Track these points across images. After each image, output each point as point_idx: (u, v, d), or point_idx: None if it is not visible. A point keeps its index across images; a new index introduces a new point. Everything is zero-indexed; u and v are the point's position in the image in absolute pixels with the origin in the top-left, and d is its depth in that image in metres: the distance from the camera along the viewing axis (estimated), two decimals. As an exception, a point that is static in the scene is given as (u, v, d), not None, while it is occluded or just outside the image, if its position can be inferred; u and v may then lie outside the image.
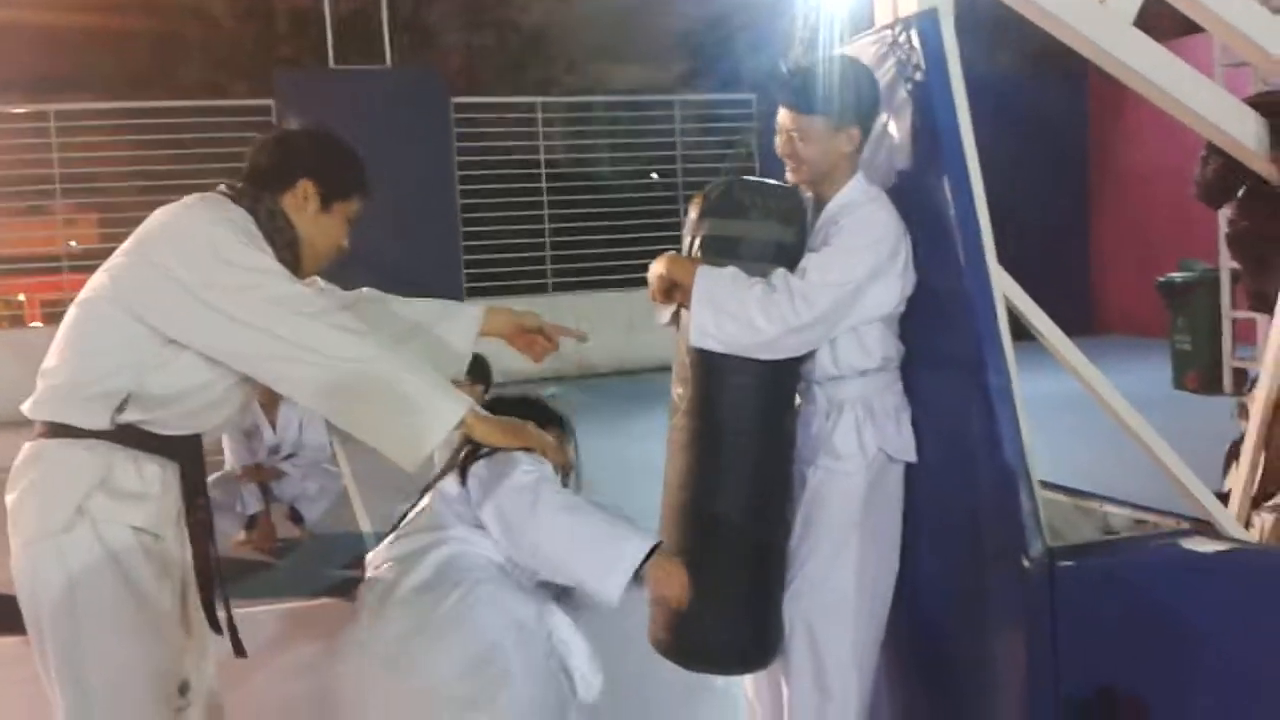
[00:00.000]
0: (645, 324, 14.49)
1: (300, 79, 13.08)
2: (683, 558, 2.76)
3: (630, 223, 13.62)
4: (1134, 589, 2.48)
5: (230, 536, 6.20)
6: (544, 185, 13.55)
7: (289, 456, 6.26)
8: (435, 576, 2.32)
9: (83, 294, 2.31)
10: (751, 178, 2.79)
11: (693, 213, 2.81)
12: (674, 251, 2.79)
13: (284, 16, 14.67)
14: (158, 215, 2.30)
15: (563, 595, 2.46)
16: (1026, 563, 2.43)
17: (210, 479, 5.90)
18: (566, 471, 2.59)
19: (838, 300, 2.63)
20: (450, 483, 2.49)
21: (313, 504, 6.22)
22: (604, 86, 14.65)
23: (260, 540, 6.17)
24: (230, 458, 6.25)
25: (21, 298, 16.29)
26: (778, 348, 2.65)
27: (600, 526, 2.33)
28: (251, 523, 6.23)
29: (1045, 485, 3.17)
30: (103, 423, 2.23)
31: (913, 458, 2.79)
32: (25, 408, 2.30)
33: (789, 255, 2.71)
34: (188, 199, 2.33)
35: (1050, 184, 13.84)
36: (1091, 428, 5.74)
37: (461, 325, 2.74)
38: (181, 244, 2.21)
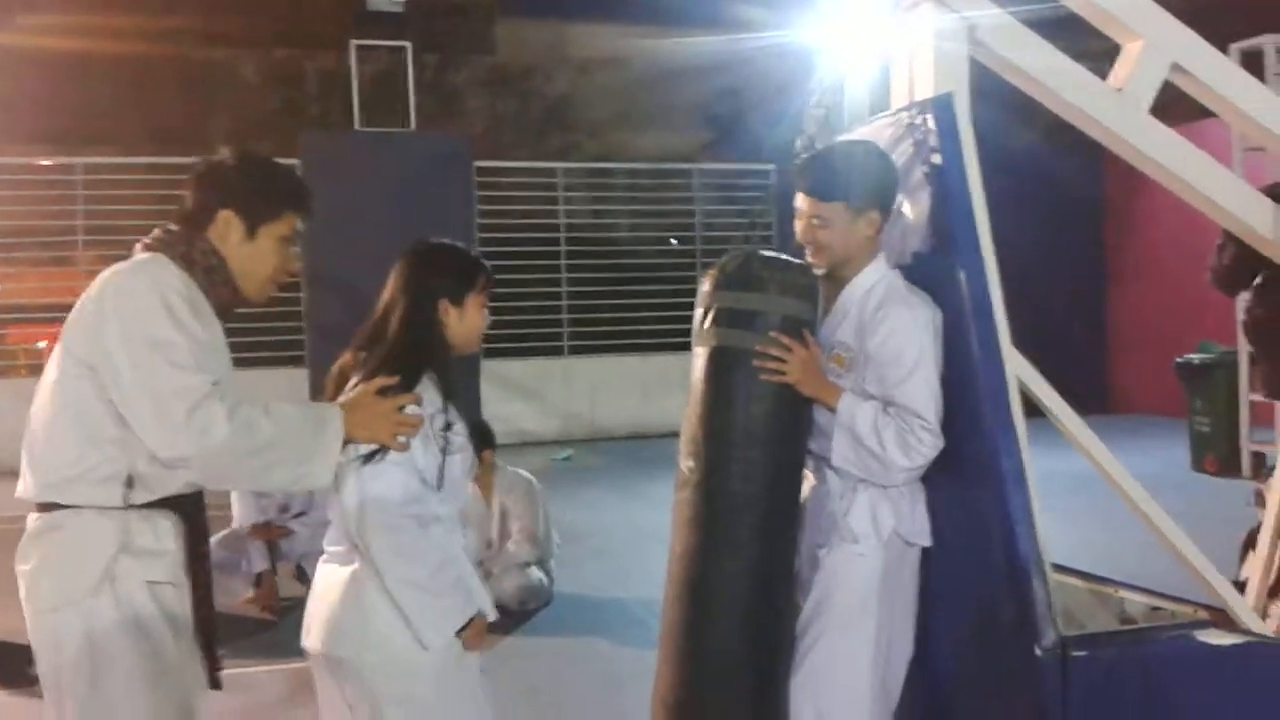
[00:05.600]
0: (660, 389, 14.49)
1: (326, 140, 13.23)
2: (685, 636, 2.74)
3: (647, 288, 13.69)
4: (1148, 681, 2.44)
5: (236, 595, 6.17)
6: (563, 249, 13.67)
7: (298, 515, 6.24)
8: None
9: (50, 374, 2.34)
10: (767, 251, 2.79)
11: (707, 285, 2.81)
12: (808, 352, 2.68)
13: (313, 78, 14.89)
14: (99, 284, 2.31)
15: None
16: (1039, 652, 2.39)
17: (217, 537, 5.98)
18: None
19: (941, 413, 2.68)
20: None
21: (320, 564, 6.18)
22: (625, 153, 14.76)
23: (264, 599, 6.13)
24: (239, 514, 6.23)
25: (42, 345, 16.38)
26: (912, 476, 2.71)
27: (441, 582, 2.44)
28: (258, 581, 6.20)
29: (1061, 569, 3.14)
30: (116, 501, 2.28)
31: (927, 542, 2.76)
32: (26, 494, 2.34)
33: (802, 330, 2.71)
34: (124, 265, 2.33)
35: (1066, 259, 13.86)
36: (1109, 508, 5.69)
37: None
38: (112, 325, 2.24)
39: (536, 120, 15.69)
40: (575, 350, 13.65)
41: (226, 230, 2.38)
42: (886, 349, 2.69)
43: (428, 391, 2.50)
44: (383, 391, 2.39)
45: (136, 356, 2.20)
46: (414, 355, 2.51)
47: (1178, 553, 2.71)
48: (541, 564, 5.87)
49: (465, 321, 2.63)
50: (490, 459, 5.91)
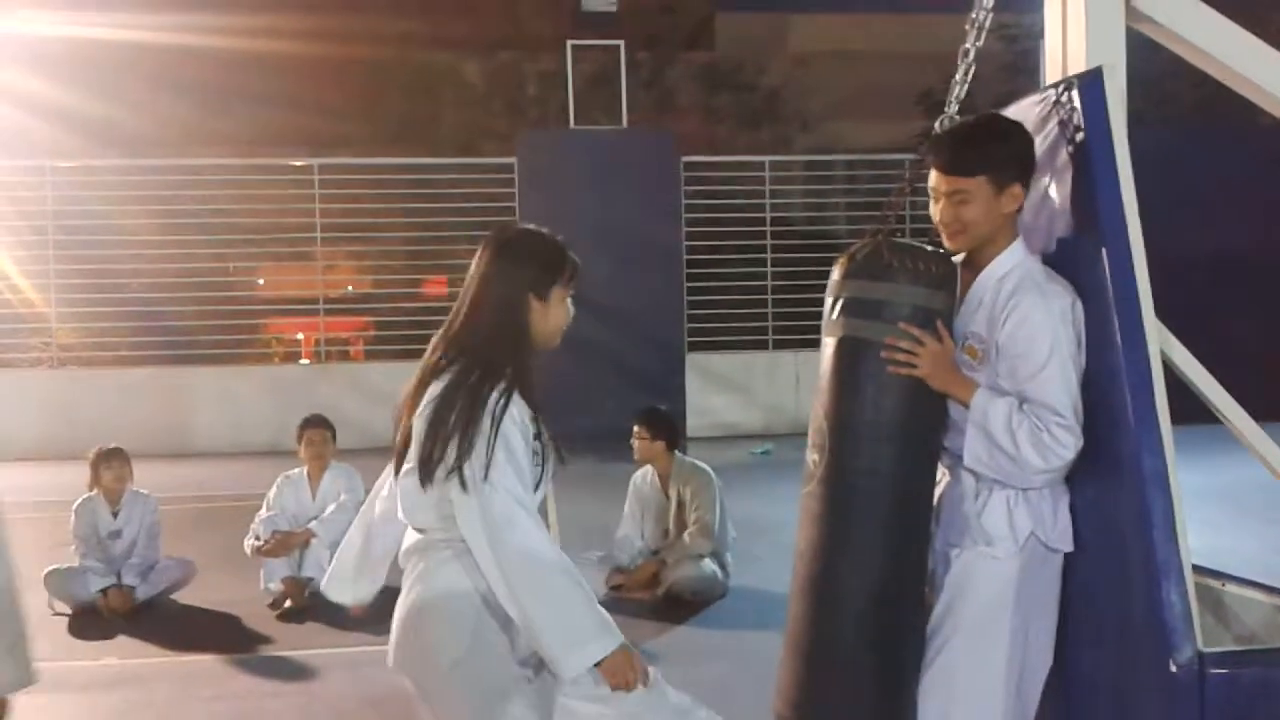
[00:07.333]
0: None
1: (541, 138, 13.67)
2: (809, 635, 2.68)
3: (855, 282, 13.49)
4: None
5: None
6: (768, 242, 13.60)
7: None
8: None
9: None
10: (900, 239, 2.69)
11: (836, 273, 2.73)
12: (939, 345, 2.57)
13: (532, 79, 15.39)
14: None
15: None
16: (1174, 668, 2.21)
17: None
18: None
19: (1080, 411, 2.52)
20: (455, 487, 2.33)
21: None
22: (838, 145, 14.56)
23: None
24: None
25: (300, 336, 17.53)
26: (1051, 479, 2.56)
27: (576, 602, 2.33)
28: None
29: (1246, 583, 2.90)
30: None
31: (1069, 547, 2.59)
32: None
33: (934, 322, 2.59)
34: None
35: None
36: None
37: None
38: None
39: (749, 114, 15.69)
40: (780, 344, 13.56)
41: None
42: (1017, 340, 2.53)
43: (514, 400, 2.36)
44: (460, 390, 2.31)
45: None
46: (499, 353, 2.38)
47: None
48: (716, 556, 5.85)
49: (549, 317, 2.48)
50: (666, 449, 5.95)
